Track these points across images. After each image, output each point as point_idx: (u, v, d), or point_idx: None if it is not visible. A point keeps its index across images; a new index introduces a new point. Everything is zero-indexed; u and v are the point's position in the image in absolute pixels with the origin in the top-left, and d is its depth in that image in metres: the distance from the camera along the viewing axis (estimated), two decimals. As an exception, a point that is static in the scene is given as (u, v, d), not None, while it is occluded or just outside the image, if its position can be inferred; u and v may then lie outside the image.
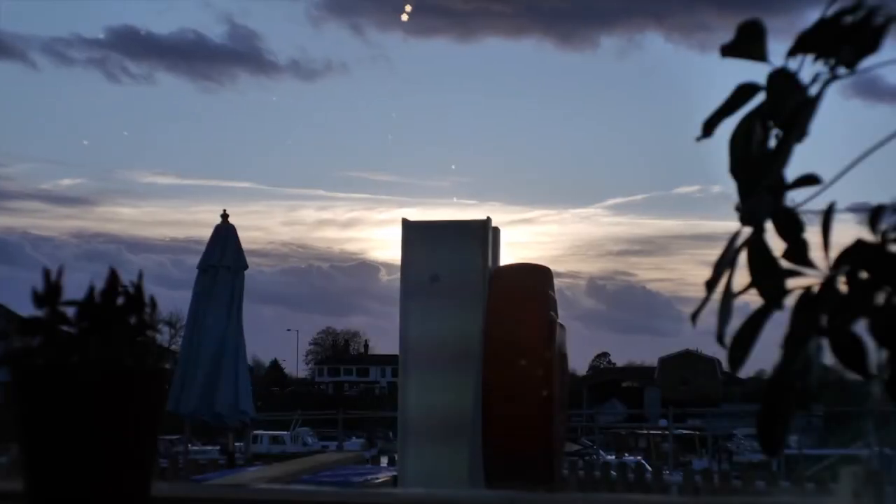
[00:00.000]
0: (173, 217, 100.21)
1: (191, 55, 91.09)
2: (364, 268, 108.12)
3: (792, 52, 1.03)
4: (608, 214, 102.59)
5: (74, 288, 1.54)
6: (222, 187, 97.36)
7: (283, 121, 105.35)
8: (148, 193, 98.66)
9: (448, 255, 7.49)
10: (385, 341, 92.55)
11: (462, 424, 7.03)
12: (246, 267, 10.47)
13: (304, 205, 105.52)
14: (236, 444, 11.69)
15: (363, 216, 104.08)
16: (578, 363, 78.88)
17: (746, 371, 1.11)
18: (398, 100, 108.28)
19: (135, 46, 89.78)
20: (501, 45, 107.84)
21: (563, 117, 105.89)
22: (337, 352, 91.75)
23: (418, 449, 7.23)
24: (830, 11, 1.02)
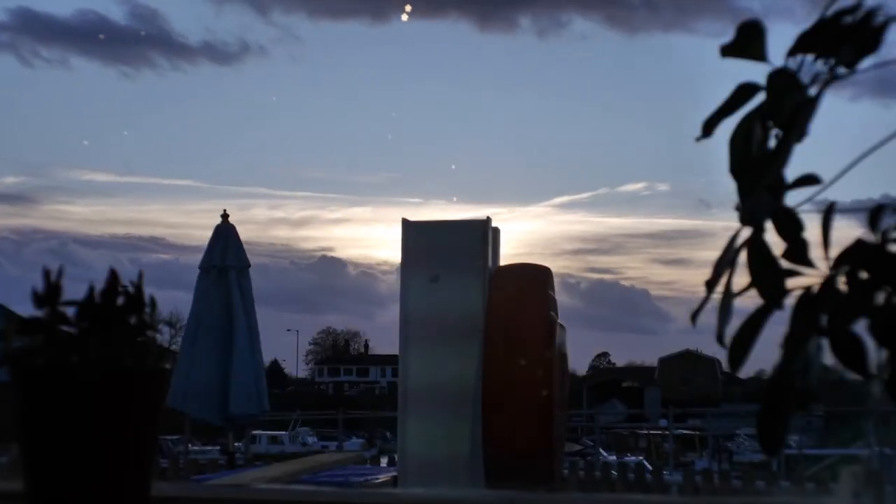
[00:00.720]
0: (116, 216, 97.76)
1: (98, 39, 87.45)
2: (329, 264, 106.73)
3: (792, 52, 1.03)
4: (558, 212, 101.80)
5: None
6: (163, 186, 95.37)
7: (205, 108, 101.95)
8: (85, 191, 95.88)
9: (448, 254, 7.50)
10: (383, 341, 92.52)
11: (463, 404, 7.03)
12: (249, 265, 10.48)
13: (254, 203, 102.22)
14: (236, 444, 11.69)
15: (317, 214, 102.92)
16: (578, 363, 78.91)
17: (746, 371, 1.11)
18: (316, 86, 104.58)
19: (41, 30, 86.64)
20: (417, 27, 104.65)
21: (491, 106, 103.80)
22: (337, 352, 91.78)
23: (418, 432, 7.24)
24: (830, 11, 1.02)
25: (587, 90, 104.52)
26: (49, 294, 1.57)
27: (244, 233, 10.65)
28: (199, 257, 10.43)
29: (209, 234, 10.41)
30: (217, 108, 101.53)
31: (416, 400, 7.33)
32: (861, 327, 0.95)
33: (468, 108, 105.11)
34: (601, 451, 25.56)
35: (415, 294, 7.46)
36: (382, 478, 8.05)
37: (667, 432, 27.64)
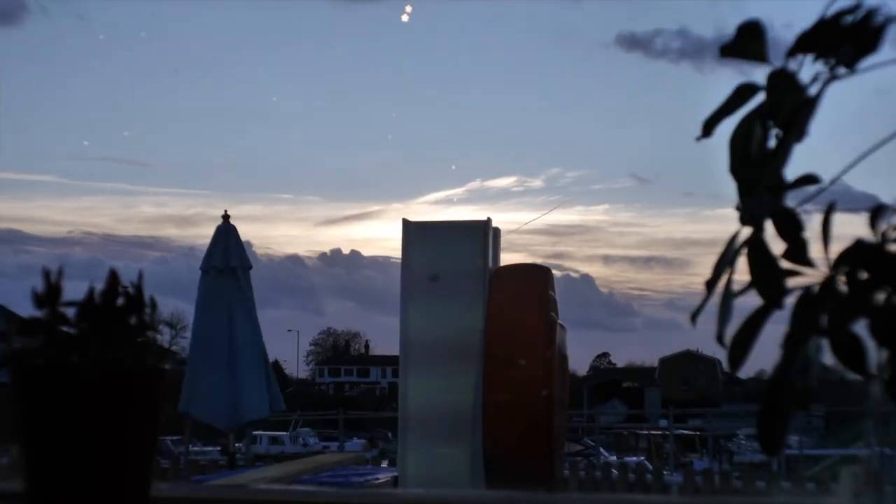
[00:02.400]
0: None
1: None
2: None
3: (792, 52, 1.03)
4: (437, 210, 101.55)
5: None
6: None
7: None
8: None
9: (448, 255, 7.50)
10: (382, 341, 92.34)
11: (463, 421, 7.04)
12: (250, 266, 10.47)
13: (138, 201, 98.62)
14: (237, 444, 11.68)
15: (205, 211, 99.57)
16: (579, 363, 78.85)
17: (747, 371, 1.11)
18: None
19: None
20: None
21: (354, 97, 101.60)
22: (337, 352, 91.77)
23: (418, 448, 7.24)
24: (830, 11, 1.02)
25: (446, 70, 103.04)
26: (49, 294, 1.57)
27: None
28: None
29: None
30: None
31: (417, 399, 7.33)
32: (861, 327, 0.95)
33: (335, 102, 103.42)
34: (602, 451, 25.55)
35: (415, 294, 7.46)
36: (383, 478, 8.05)
37: (667, 432, 27.64)
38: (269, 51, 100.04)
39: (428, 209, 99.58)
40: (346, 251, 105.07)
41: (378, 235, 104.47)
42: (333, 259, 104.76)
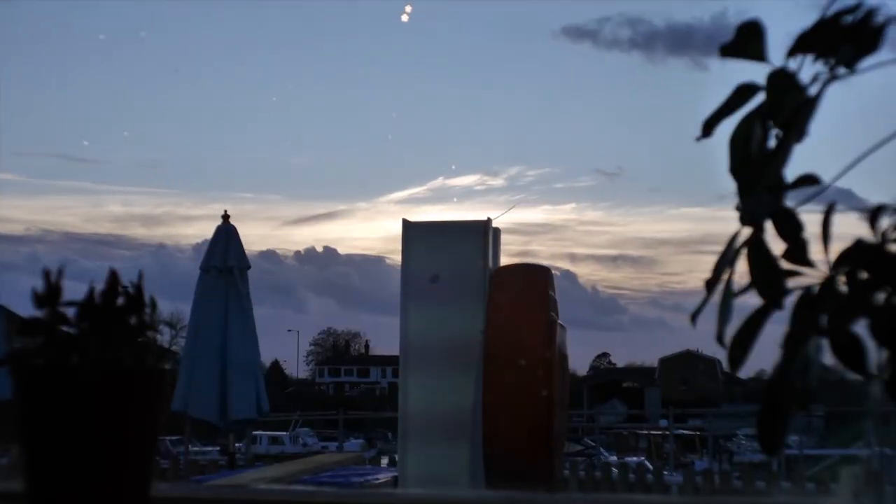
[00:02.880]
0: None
1: None
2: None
3: (791, 52, 1.03)
4: (404, 209, 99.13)
5: None
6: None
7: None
8: None
9: (448, 255, 7.50)
10: (376, 340, 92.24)
11: (462, 423, 7.04)
12: (249, 267, 10.47)
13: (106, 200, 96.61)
14: (237, 444, 11.69)
15: (173, 210, 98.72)
16: (579, 363, 78.81)
17: (747, 371, 1.11)
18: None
19: None
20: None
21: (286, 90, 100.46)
22: (337, 352, 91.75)
23: (418, 449, 7.24)
24: (830, 11, 1.02)
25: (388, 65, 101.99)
26: (49, 294, 1.57)
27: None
28: None
29: None
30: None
31: (417, 399, 7.33)
32: (861, 327, 0.95)
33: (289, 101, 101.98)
34: (602, 451, 25.55)
35: (415, 294, 7.46)
36: (382, 478, 8.06)
37: (667, 432, 27.65)
38: (229, 51, 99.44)
39: (395, 209, 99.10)
40: (319, 249, 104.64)
41: (350, 234, 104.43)
42: (309, 257, 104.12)
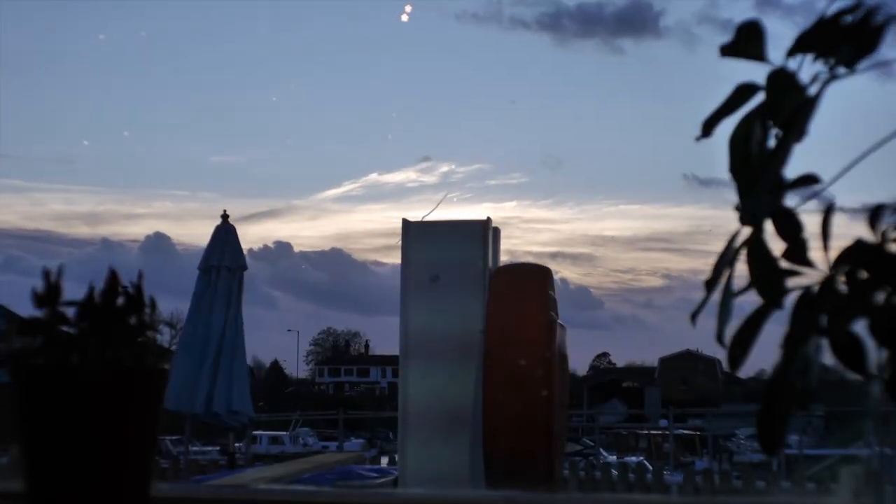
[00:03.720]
0: None
1: None
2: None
3: (791, 52, 1.03)
4: (341, 206, 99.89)
5: None
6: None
7: None
8: None
9: (448, 255, 7.50)
10: (383, 341, 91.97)
11: (462, 419, 7.04)
12: (245, 267, 10.47)
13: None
14: (237, 444, 11.69)
15: (115, 209, 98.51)
16: (579, 363, 78.77)
17: (747, 371, 1.11)
18: None
19: None
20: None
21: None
22: (337, 352, 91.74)
23: (418, 443, 7.24)
24: (830, 11, 1.02)
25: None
26: (49, 294, 1.57)
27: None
28: None
29: None
30: None
31: (417, 399, 7.33)
32: (861, 327, 0.95)
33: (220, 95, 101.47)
34: (602, 451, 25.55)
35: (415, 294, 7.46)
36: (382, 479, 8.06)
37: (667, 432, 27.64)
38: (157, 48, 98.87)
39: (331, 205, 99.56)
40: (271, 245, 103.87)
41: (301, 232, 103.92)
42: (265, 254, 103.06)
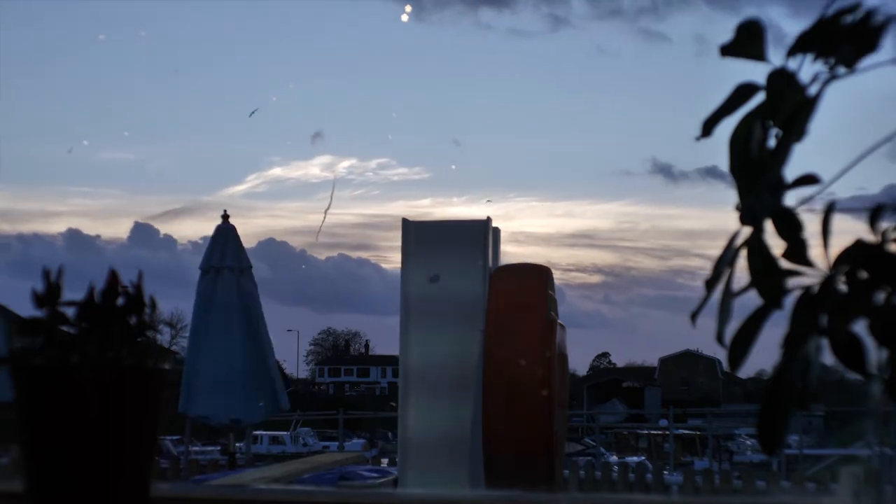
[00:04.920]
0: None
1: None
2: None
3: (791, 52, 1.03)
4: (248, 202, 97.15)
5: None
6: None
7: None
8: None
9: (448, 255, 7.50)
10: (384, 341, 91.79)
11: (463, 401, 7.06)
12: (250, 266, 10.46)
13: None
14: (237, 444, 11.68)
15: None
16: (579, 363, 78.78)
17: (747, 371, 1.11)
18: None
19: None
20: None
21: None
22: (337, 352, 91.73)
23: (421, 404, 7.26)
24: (830, 11, 1.02)
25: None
26: (49, 294, 1.57)
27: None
28: None
29: None
30: None
31: (417, 399, 7.33)
32: (861, 327, 0.95)
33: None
34: (602, 450, 25.55)
35: (415, 294, 7.46)
36: (382, 479, 8.06)
37: (667, 432, 27.64)
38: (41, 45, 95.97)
39: (239, 202, 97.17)
40: (200, 242, 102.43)
41: (203, 231, 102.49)
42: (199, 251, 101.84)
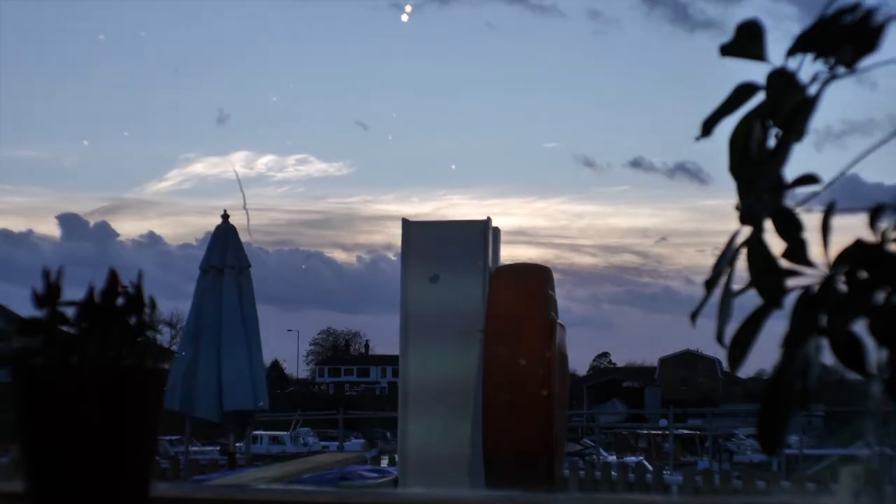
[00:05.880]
0: None
1: None
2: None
3: (791, 52, 1.03)
4: (170, 198, 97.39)
5: None
6: None
7: None
8: None
9: (448, 255, 7.50)
10: (384, 341, 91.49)
11: (463, 401, 7.06)
12: (249, 266, 10.46)
13: None
14: (237, 444, 11.67)
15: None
16: (579, 363, 78.75)
17: (747, 371, 1.12)
18: None
19: None
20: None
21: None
22: (337, 352, 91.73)
23: (418, 421, 7.26)
24: (830, 11, 1.02)
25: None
26: (49, 294, 1.57)
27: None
28: None
29: None
30: None
31: (417, 400, 7.33)
32: (861, 327, 0.95)
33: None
34: (601, 451, 25.55)
35: (415, 294, 7.46)
36: (382, 479, 8.05)
37: (667, 432, 27.65)
38: None
39: (164, 198, 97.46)
40: (144, 240, 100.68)
41: (159, 227, 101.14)
42: (142, 248, 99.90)
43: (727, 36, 1.06)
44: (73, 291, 1.59)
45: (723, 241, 1.03)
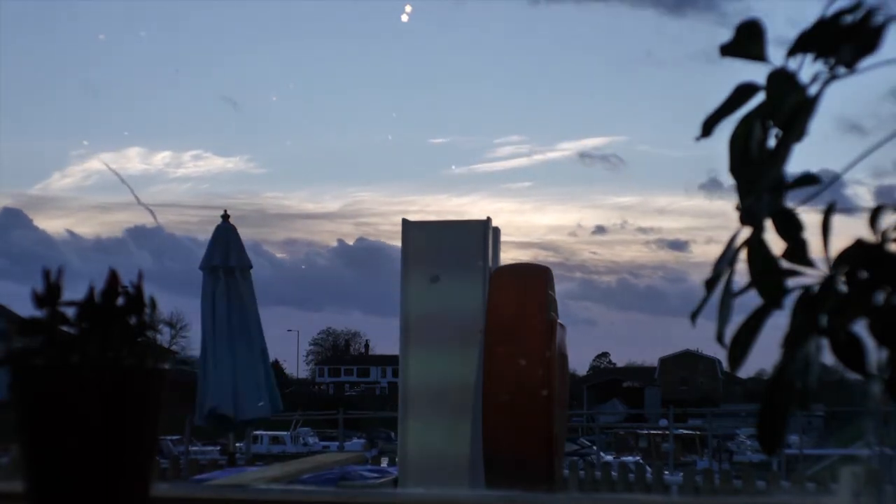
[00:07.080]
0: None
1: None
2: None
3: (791, 52, 1.03)
4: (76, 192, 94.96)
5: None
6: None
7: None
8: None
9: (448, 255, 7.50)
10: (384, 341, 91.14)
11: (463, 401, 7.06)
12: (251, 266, 10.47)
13: None
14: (237, 444, 11.68)
15: None
16: (578, 363, 78.67)
17: (747, 371, 1.11)
18: None
19: None
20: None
21: None
22: (337, 352, 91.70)
23: (419, 421, 7.26)
24: (830, 11, 1.02)
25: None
26: (49, 294, 1.57)
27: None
28: None
29: None
30: None
31: (417, 400, 7.33)
32: (861, 327, 0.95)
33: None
34: (600, 451, 25.54)
35: (415, 294, 7.46)
36: (383, 479, 8.06)
37: (667, 432, 27.64)
38: None
39: (70, 194, 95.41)
40: (64, 236, 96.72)
41: (72, 223, 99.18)
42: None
43: (726, 37, 1.06)
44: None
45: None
